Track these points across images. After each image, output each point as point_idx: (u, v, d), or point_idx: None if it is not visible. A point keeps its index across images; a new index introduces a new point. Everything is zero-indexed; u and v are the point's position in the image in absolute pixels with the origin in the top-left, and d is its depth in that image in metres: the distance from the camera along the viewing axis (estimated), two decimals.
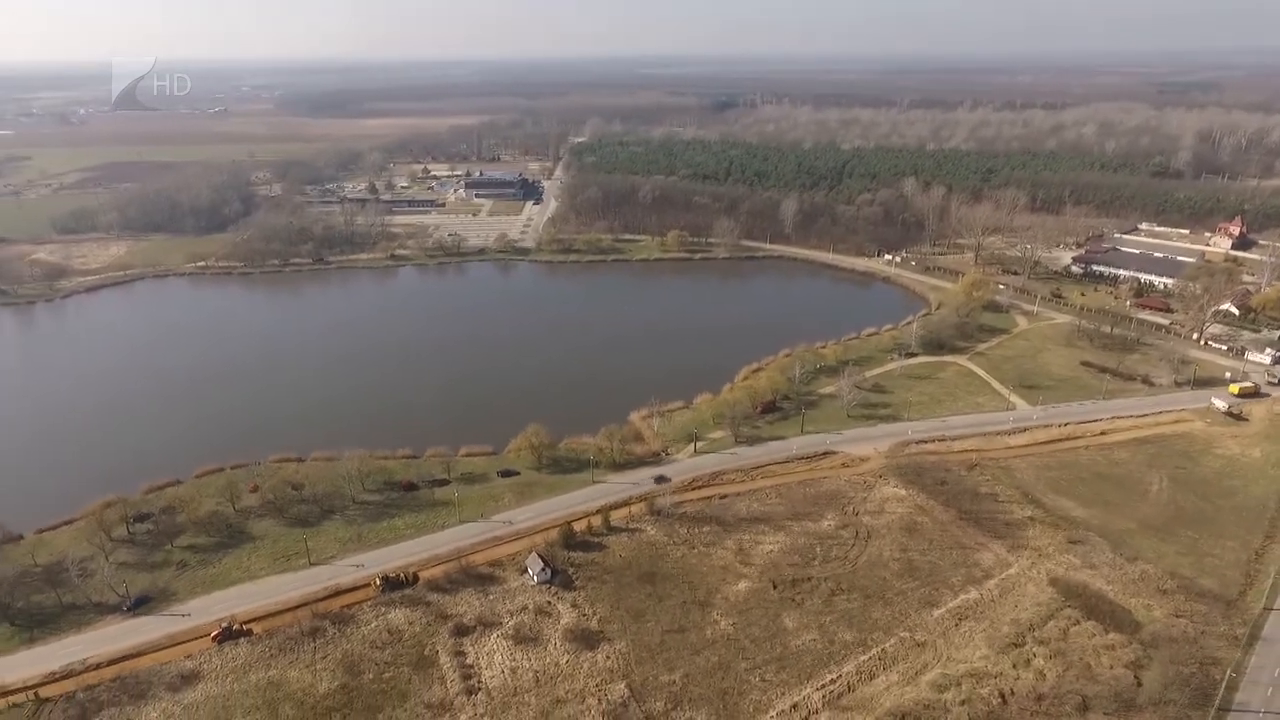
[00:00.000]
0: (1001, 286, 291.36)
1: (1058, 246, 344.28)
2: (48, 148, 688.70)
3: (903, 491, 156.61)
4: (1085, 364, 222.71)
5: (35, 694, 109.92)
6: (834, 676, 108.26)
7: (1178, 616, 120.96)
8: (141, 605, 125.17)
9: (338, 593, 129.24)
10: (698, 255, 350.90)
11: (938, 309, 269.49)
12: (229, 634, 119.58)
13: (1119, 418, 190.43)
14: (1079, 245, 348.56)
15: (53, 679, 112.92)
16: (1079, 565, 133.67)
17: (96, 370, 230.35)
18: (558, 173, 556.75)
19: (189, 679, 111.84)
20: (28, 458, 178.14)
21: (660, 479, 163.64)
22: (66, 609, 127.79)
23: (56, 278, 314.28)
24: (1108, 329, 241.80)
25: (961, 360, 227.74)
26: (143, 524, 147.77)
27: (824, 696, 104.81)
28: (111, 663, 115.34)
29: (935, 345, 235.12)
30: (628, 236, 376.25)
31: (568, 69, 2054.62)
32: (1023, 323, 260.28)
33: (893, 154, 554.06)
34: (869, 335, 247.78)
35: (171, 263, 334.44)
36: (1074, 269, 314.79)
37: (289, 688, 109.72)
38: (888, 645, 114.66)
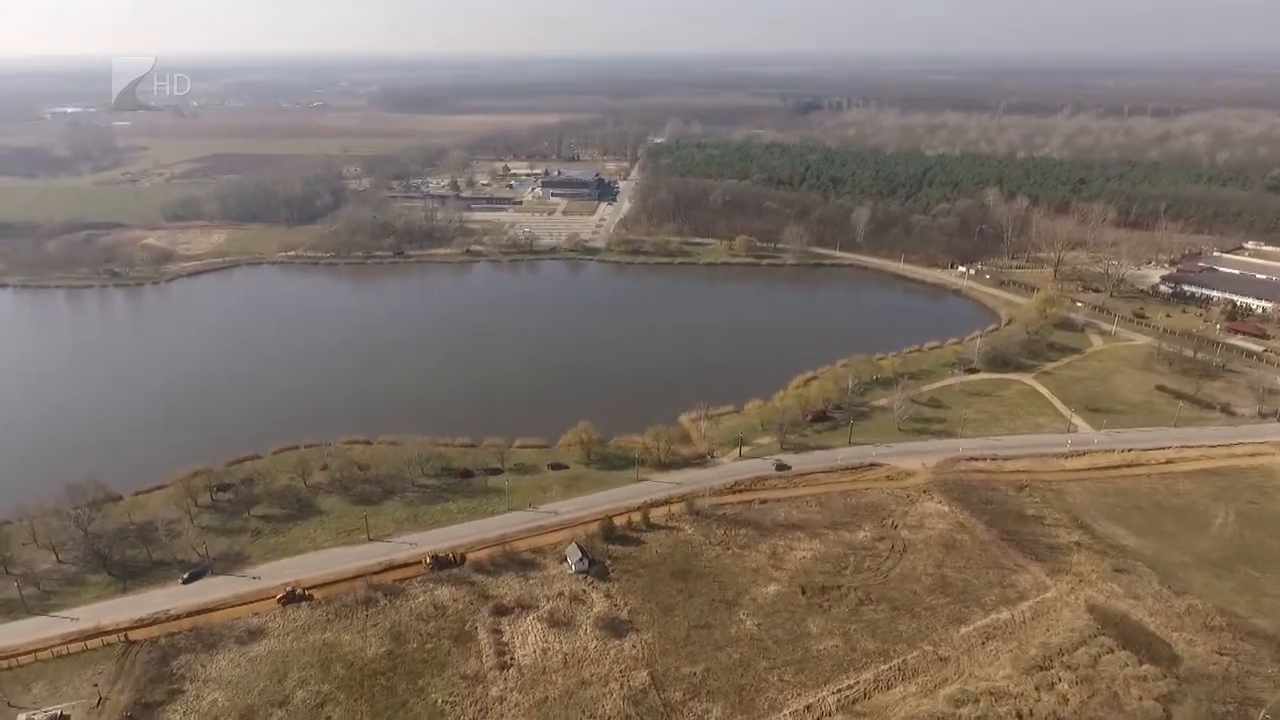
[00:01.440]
0: (1079, 304, 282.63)
1: (1147, 264, 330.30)
2: (163, 138, 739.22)
3: (945, 508, 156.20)
4: (1160, 389, 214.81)
5: (126, 636, 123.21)
6: (852, 683, 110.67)
7: (1221, 654, 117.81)
8: (195, 579, 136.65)
9: (391, 567, 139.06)
10: (765, 261, 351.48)
11: (1007, 325, 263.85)
12: (292, 597, 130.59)
13: (1189, 447, 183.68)
14: (1171, 263, 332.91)
15: (140, 625, 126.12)
16: (1121, 594, 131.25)
17: (194, 350, 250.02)
18: (634, 173, 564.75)
19: (255, 635, 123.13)
20: (132, 427, 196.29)
21: (781, 466, 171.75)
22: (155, 564, 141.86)
23: (163, 262, 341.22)
24: (1190, 353, 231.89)
25: (1026, 379, 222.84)
26: (224, 493, 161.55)
27: (839, 701, 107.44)
28: (190, 615, 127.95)
29: (1000, 362, 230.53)
30: (696, 240, 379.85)
31: (655, 66, 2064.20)
32: (1098, 343, 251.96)
33: (978, 162, 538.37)
34: (931, 349, 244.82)
35: (265, 251, 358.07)
36: (1162, 288, 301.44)
37: (341, 650, 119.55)
38: (910, 657, 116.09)
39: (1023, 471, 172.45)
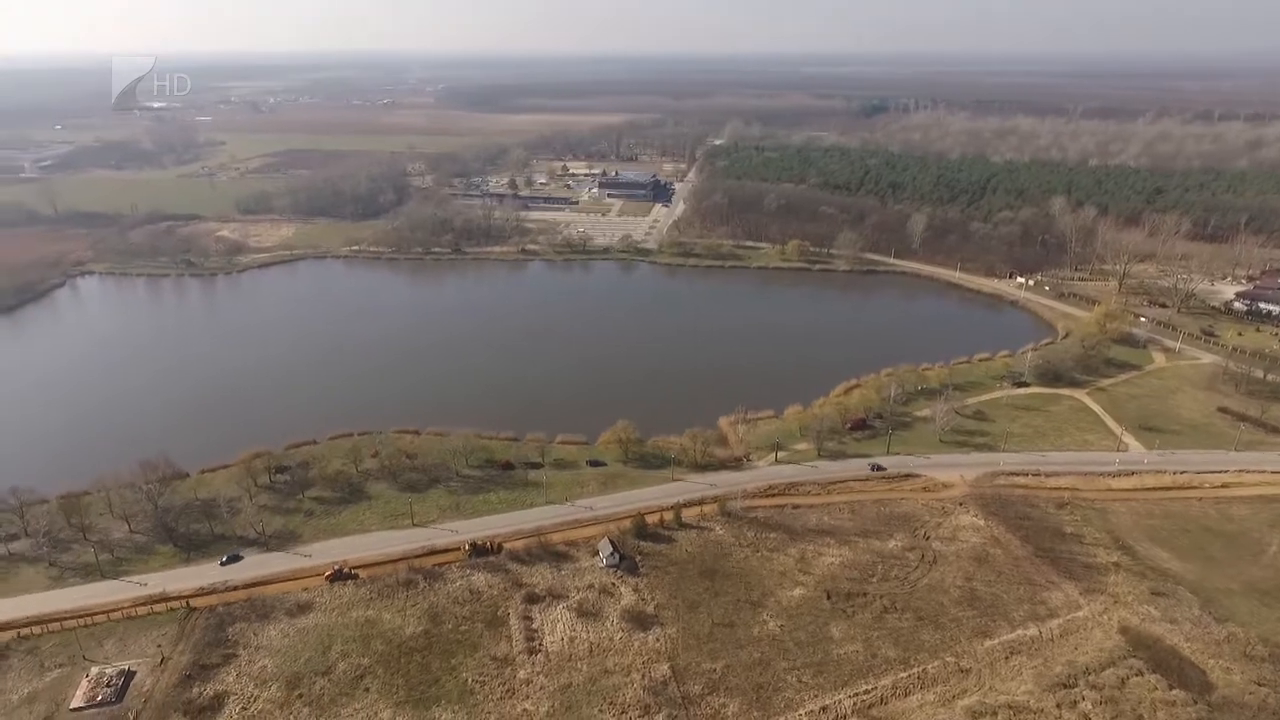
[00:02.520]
0: (1143, 319, 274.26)
1: (1223, 279, 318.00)
2: (240, 133, 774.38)
3: (980, 521, 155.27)
4: (1223, 410, 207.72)
5: (188, 603, 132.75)
6: (870, 688, 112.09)
7: (1259, 685, 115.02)
8: (233, 562, 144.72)
9: (432, 552, 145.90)
10: (816, 266, 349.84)
11: (1063, 339, 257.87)
12: (339, 575, 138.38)
13: (1248, 471, 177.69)
14: (1249, 279, 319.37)
15: (201, 593, 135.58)
16: (1157, 617, 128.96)
17: (260, 338, 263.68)
18: (690, 175, 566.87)
19: (303, 608, 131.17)
20: (201, 409, 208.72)
21: (876, 467, 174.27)
22: (216, 538, 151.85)
23: (235, 253, 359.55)
24: (1260, 374, 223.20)
25: (1079, 394, 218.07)
26: (282, 475, 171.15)
27: (855, 705, 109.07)
28: (245, 586, 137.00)
29: (1052, 376, 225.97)
30: (749, 243, 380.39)
31: (720, 66, 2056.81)
32: (1159, 360, 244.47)
33: (1047, 169, 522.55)
34: (981, 360, 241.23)
35: (330, 245, 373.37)
36: (1236, 305, 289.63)
37: (382, 626, 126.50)
38: (930, 666, 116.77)
39: (1065, 489, 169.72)
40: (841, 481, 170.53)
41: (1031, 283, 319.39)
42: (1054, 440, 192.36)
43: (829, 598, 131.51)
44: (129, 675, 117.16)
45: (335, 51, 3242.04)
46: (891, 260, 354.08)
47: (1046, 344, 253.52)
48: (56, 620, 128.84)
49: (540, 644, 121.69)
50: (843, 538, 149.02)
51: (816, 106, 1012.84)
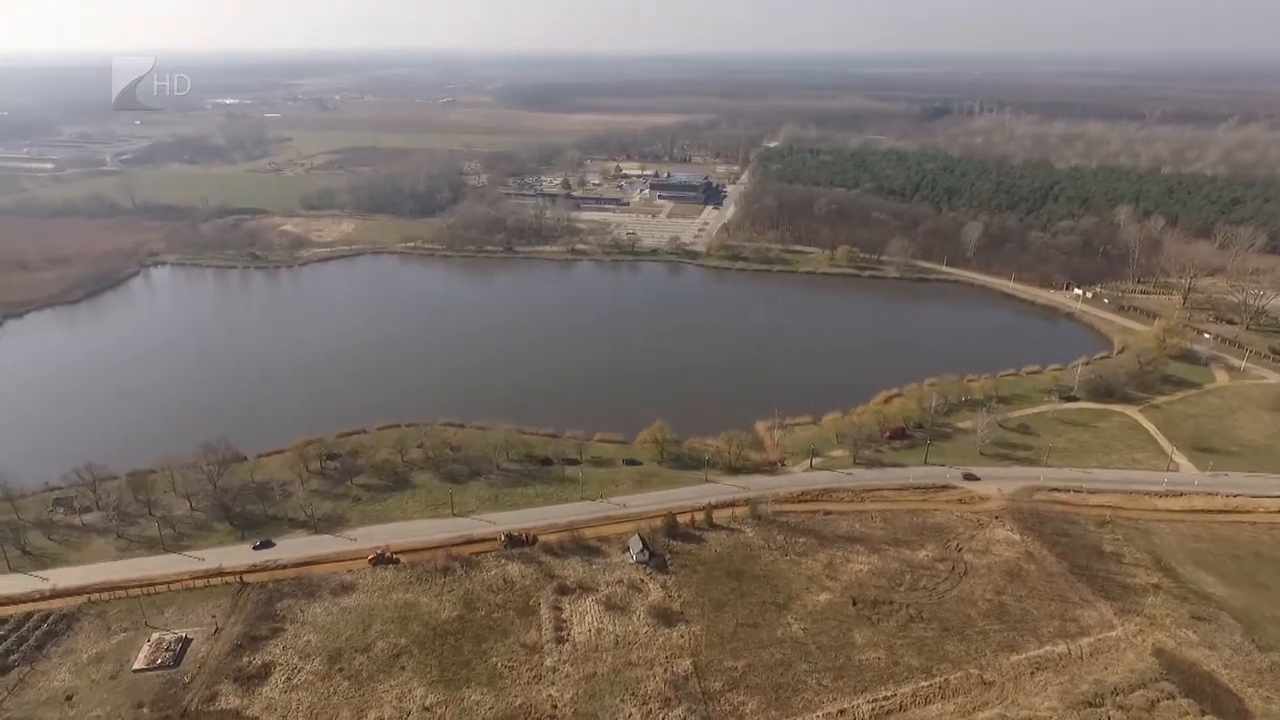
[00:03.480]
0: (1206, 335, 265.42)
1: None
2: (306, 130, 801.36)
3: (1016, 536, 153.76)
4: None
5: (241, 578, 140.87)
6: (889, 694, 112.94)
7: None
8: (265, 547, 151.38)
9: (470, 541, 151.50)
10: (866, 273, 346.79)
11: (1119, 353, 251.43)
12: (382, 559, 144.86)
13: None
14: None
15: (253, 570, 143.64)
16: (1195, 642, 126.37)
17: (318, 330, 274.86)
18: (743, 178, 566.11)
19: (347, 588, 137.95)
20: (260, 396, 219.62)
21: (969, 476, 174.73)
22: (270, 519, 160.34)
23: (298, 247, 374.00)
24: None
25: (1131, 411, 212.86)
26: (333, 461, 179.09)
27: (874, 710, 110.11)
28: (294, 565, 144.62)
29: (1103, 392, 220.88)
30: (797, 248, 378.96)
31: (778, 66, 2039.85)
32: (1222, 378, 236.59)
33: (1114, 176, 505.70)
34: (1030, 373, 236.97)
35: (387, 242, 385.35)
36: None
37: (419, 609, 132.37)
38: (952, 677, 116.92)
39: (1107, 507, 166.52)
40: (875, 490, 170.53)
41: (1090, 295, 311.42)
42: (1100, 457, 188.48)
43: (854, 604, 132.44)
44: (186, 642, 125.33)
45: (398, 49, 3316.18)
46: (944, 268, 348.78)
47: (1100, 358, 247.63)
48: (123, 588, 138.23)
49: (568, 634, 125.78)
50: (873, 545, 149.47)
51: (876, 109, 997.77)
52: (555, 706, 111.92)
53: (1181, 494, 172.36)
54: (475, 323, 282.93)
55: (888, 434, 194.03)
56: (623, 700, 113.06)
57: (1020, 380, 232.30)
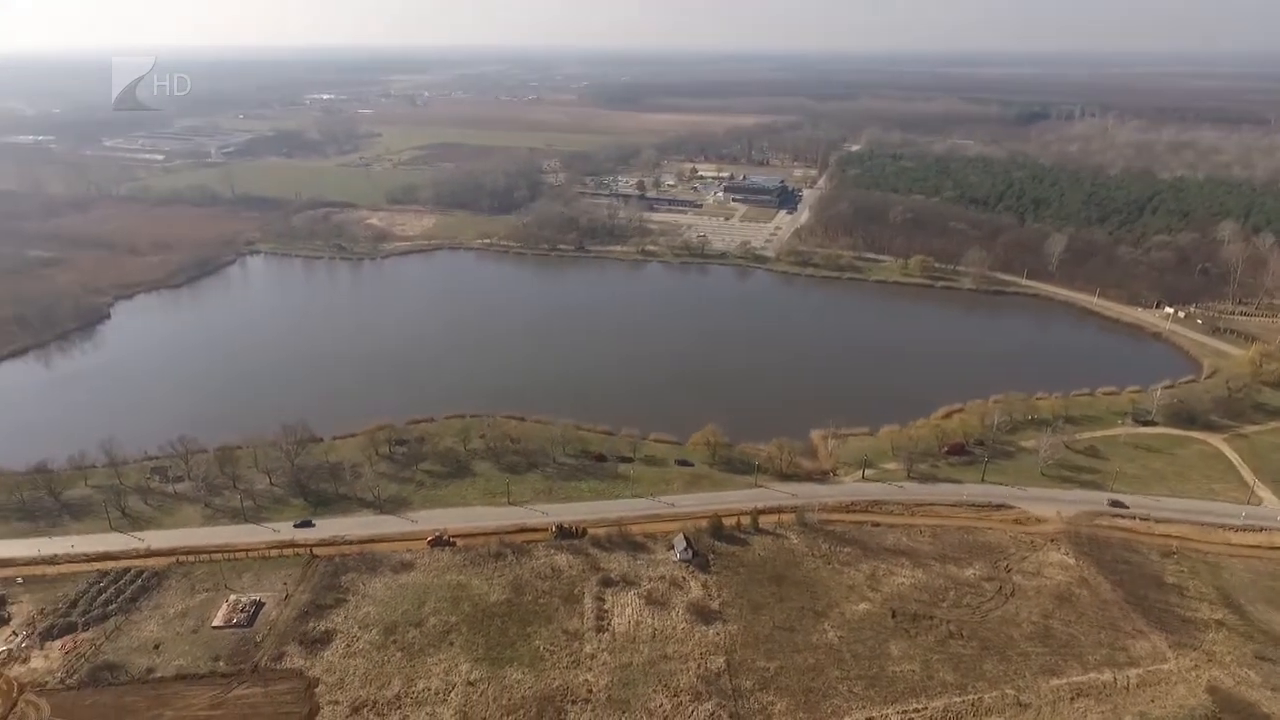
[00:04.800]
0: None
1: None
2: (396, 126, 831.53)
3: (1071, 560, 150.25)
4: None
5: (311, 551, 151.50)
6: (920, 707, 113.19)
7: None
8: (305, 527, 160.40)
9: (523, 530, 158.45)
10: (940, 283, 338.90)
11: (1207, 377, 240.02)
12: (439, 541, 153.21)
13: None
14: None
15: (323, 544, 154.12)
16: (1257, 683, 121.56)
17: (394, 321, 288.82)
18: (821, 182, 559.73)
19: (406, 566, 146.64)
20: (338, 380, 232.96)
21: (1115, 503, 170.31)
22: (340, 497, 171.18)
23: (381, 241, 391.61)
24: None
25: (1214, 440, 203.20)
26: (400, 447, 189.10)
27: None
28: (360, 543, 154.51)
29: (1185, 418, 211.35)
30: (870, 256, 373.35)
31: (867, 65, 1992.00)
32: None
33: (1223, 188, 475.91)
34: (1105, 394, 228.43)
35: (465, 238, 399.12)
36: None
37: (471, 591, 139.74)
38: (987, 696, 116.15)
39: (1175, 537, 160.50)
40: (927, 504, 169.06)
41: (1182, 314, 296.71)
42: (1173, 485, 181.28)
43: (894, 616, 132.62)
44: (259, 605, 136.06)
45: (488, 46, 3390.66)
46: (1023, 281, 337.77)
47: (1186, 382, 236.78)
48: (206, 552, 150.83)
49: (608, 624, 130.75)
50: (919, 560, 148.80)
51: (966, 112, 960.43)
52: (590, 691, 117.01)
53: (1261, 529, 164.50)
54: (543, 319, 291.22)
55: (946, 449, 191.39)
56: (655, 690, 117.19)
57: (1094, 401, 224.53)
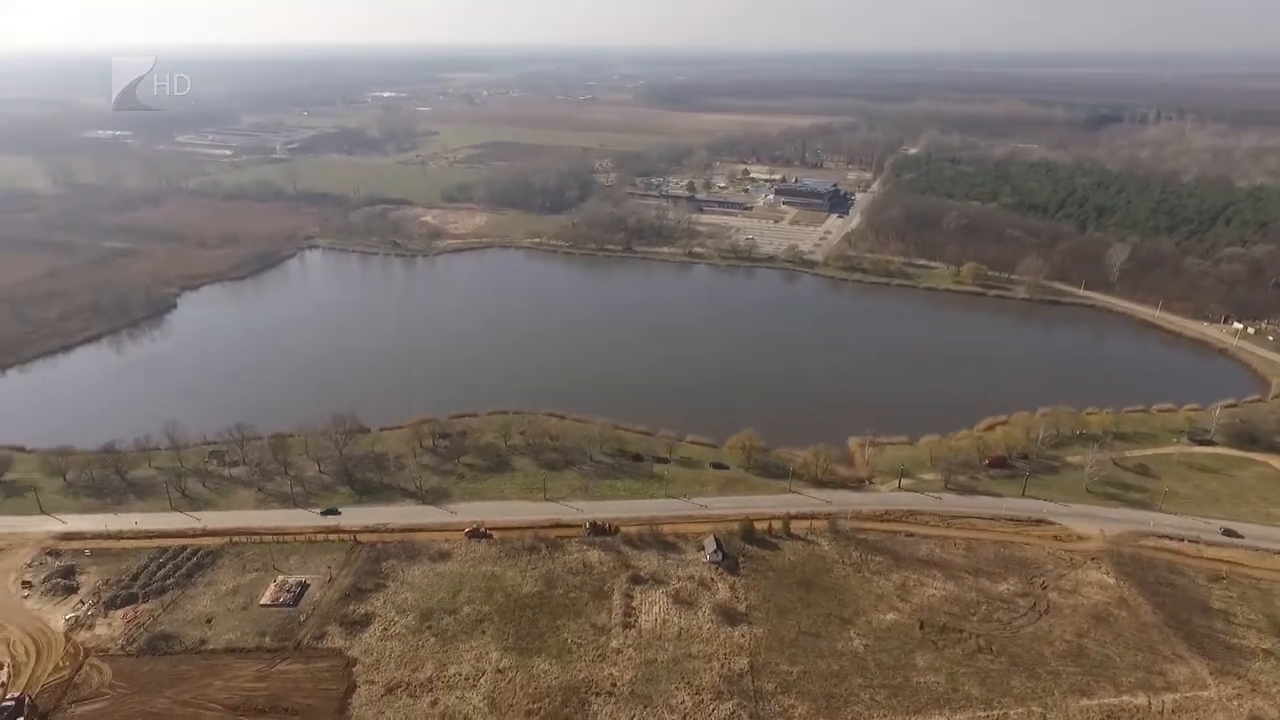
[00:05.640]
0: None
1: None
2: (453, 124, 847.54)
3: (1111, 580, 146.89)
4: None
5: (355, 537, 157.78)
6: (942, 719, 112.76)
7: None
8: (331, 514, 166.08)
9: (557, 525, 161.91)
10: (992, 292, 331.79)
11: (1275, 397, 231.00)
12: (476, 533, 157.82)
13: None
14: None
15: (366, 531, 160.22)
16: None
17: (443, 317, 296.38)
18: (874, 186, 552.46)
19: (443, 556, 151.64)
20: (386, 373, 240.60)
21: (1229, 533, 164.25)
22: (384, 487, 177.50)
23: (434, 238, 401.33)
24: None
25: (1277, 462, 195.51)
26: (444, 440, 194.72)
27: None
28: (401, 531, 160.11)
29: (1246, 438, 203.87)
30: (921, 262, 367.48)
31: (929, 66, 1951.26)
32: None
33: None
34: (1161, 411, 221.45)
35: (515, 236, 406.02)
36: None
37: (504, 582, 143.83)
38: (1013, 712, 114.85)
39: (1225, 561, 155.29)
40: (963, 517, 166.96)
41: (1252, 330, 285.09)
42: (1228, 508, 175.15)
43: (921, 627, 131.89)
44: (304, 586, 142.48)
45: (547, 45, 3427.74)
46: (1080, 292, 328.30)
47: (1251, 401, 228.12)
48: (258, 534, 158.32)
49: (635, 620, 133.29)
50: (951, 572, 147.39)
51: (1030, 114, 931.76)
52: (614, 684, 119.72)
53: None
54: (587, 319, 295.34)
55: (987, 461, 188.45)
56: (677, 687, 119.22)
57: (1147, 418, 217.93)
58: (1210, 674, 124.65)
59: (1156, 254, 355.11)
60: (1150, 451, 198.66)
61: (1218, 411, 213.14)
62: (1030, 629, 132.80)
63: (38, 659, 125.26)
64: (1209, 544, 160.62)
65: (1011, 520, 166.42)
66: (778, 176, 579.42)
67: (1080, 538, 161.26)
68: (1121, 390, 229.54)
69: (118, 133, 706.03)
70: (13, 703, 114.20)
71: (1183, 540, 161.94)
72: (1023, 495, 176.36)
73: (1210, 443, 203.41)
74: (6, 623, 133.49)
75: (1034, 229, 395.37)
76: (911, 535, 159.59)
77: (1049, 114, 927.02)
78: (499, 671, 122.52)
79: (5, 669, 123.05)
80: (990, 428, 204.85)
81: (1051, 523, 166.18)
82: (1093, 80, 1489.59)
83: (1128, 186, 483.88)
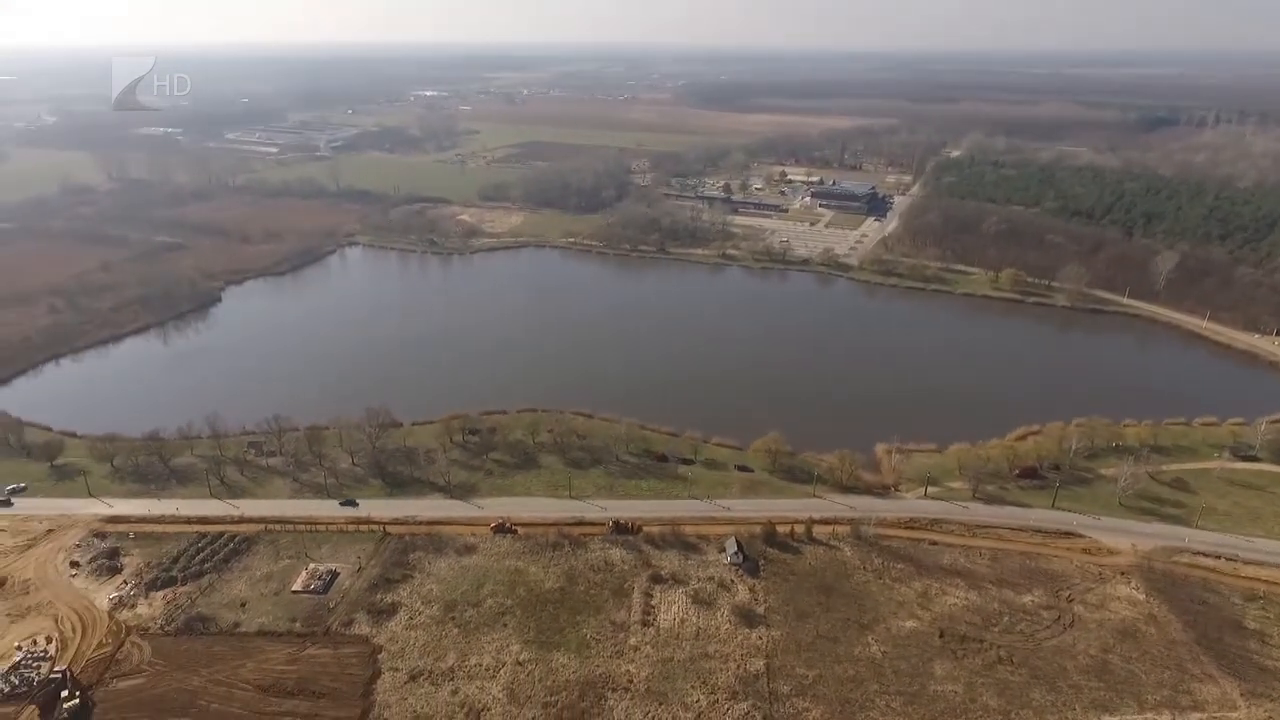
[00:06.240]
0: None
1: None
2: (493, 123, 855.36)
3: (1141, 596, 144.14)
4: None
5: (384, 528, 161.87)
6: None
7: None
8: (349, 505, 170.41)
9: (581, 523, 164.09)
10: (1031, 299, 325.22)
11: None
12: (502, 528, 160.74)
13: None
14: None
15: (395, 522, 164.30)
16: None
17: (477, 315, 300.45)
18: (914, 189, 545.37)
19: (469, 549, 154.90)
20: (419, 369, 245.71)
21: None
22: (414, 480, 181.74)
23: (471, 236, 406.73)
24: None
25: None
26: (473, 436, 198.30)
27: None
28: (428, 523, 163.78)
29: None
30: (959, 267, 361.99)
31: (976, 66, 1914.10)
32: None
33: None
34: (1203, 424, 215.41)
35: (550, 236, 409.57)
36: None
37: (527, 577, 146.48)
38: None
39: (1263, 581, 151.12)
40: (990, 527, 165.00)
41: None
42: (1270, 526, 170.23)
43: (941, 636, 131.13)
44: (335, 574, 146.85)
45: (590, 44, 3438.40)
46: (1124, 300, 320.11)
47: None
48: (291, 523, 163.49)
49: (654, 619, 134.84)
50: (974, 582, 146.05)
51: (1080, 116, 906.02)
52: (631, 680, 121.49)
53: None
54: (617, 319, 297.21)
55: (1017, 471, 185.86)
56: (693, 686, 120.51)
57: (1188, 431, 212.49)
58: (1240, 695, 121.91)
59: (1207, 262, 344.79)
60: (1190, 466, 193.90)
61: (1263, 426, 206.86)
62: (1053, 642, 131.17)
63: (83, 635, 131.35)
64: (1246, 562, 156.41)
65: (1039, 531, 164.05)
66: (815, 179, 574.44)
67: (1110, 551, 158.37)
68: (1162, 402, 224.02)
69: (169, 130, 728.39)
70: (60, 675, 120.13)
71: (1219, 557, 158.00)
72: (1052, 506, 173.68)
73: (1254, 458, 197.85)
74: (56, 600, 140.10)
75: (1077, 235, 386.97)
76: (935, 544, 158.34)
77: (1100, 116, 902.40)
78: (519, 664, 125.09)
79: (54, 642, 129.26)
80: (1022, 437, 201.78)
81: (1081, 535, 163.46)
82: (1150, 80, 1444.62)
83: (1179, 192, 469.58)
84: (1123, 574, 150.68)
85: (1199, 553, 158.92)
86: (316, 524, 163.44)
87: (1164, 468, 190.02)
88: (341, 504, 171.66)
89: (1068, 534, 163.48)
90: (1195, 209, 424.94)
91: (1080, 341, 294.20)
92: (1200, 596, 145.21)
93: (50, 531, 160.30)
